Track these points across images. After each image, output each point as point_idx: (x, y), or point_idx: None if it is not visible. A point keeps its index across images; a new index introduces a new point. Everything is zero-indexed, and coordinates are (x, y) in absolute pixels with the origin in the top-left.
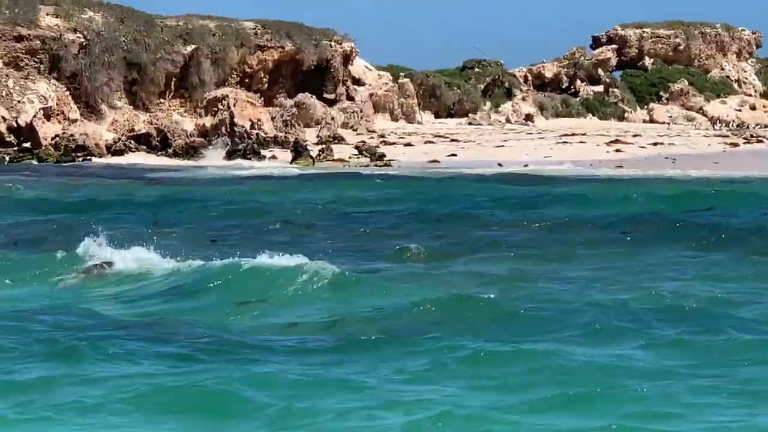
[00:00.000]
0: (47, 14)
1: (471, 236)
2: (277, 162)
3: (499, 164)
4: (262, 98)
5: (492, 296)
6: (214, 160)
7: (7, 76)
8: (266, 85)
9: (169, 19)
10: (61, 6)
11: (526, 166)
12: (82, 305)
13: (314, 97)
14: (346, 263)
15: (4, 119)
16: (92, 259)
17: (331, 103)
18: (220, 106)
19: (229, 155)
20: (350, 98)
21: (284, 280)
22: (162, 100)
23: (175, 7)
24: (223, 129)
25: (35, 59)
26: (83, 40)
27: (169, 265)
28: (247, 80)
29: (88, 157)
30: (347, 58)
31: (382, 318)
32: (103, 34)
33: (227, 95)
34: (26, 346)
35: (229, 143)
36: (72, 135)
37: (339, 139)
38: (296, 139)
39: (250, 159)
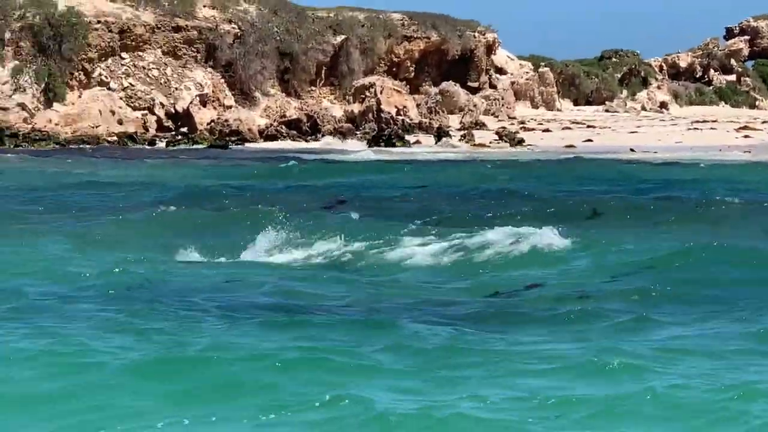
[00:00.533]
0: (204, 6)
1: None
2: (422, 146)
3: (631, 149)
4: (408, 86)
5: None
6: (359, 144)
7: (165, 64)
8: (412, 74)
9: (320, 11)
10: None
11: (655, 153)
12: None
13: (458, 85)
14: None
15: (163, 105)
16: None
17: (474, 91)
18: (368, 94)
19: (375, 140)
20: (492, 86)
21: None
22: (313, 88)
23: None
24: (370, 115)
25: (192, 49)
26: (238, 30)
27: None
28: (394, 69)
29: (241, 142)
30: (490, 48)
31: None
32: (257, 25)
33: (374, 83)
34: None
35: (376, 129)
36: (226, 120)
37: (481, 125)
38: (440, 125)
39: (394, 144)
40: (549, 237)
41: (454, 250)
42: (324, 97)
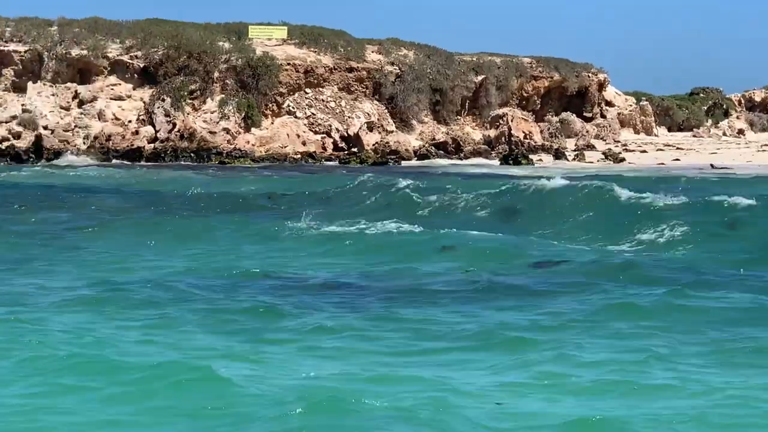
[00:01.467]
0: (372, 51)
1: None
2: (542, 164)
3: (711, 165)
4: (534, 116)
5: None
6: (493, 162)
7: (340, 98)
8: (539, 106)
9: (466, 56)
10: (383, 45)
11: (725, 168)
12: None
13: (574, 115)
14: None
15: (338, 130)
16: None
17: (588, 120)
18: (501, 122)
19: (505, 159)
20: (603, 116)
21: None
22: (458, 117)
23: (470, 46)
24: (503, 139)
25: (362, 86)
26: (398, 71)
27: None
28: (523, 102)
29: (398, 160)
30: (601, 86)
31: None
32: (414, 67)
33: (507, 113)
34: None
35: (507, 149)
36: (387, 142)
37: (591, 147)
38: (558, 147)
39: (520, 162)
40: None
41: None
42: (467, 125)
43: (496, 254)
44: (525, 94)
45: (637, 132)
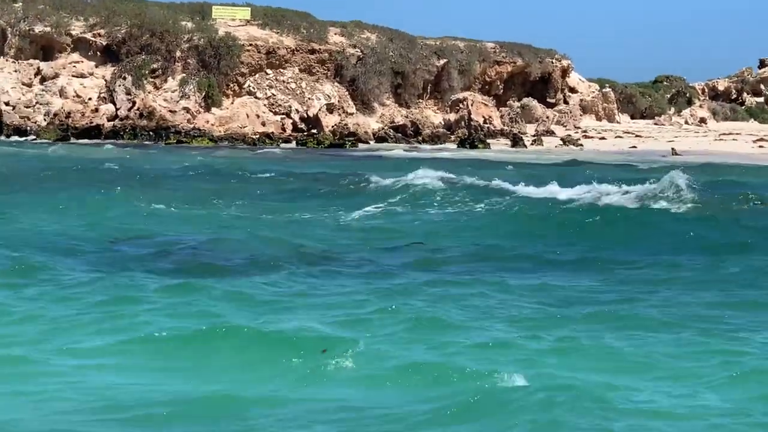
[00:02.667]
0: (335, 34)
1: None
2: (496, 148)
3: (673, 150)
4: (497, 101)
5: None
6: (450, 146)
7: (301, 79)
8: (501, 91)
9: (429, 40)
10: (346, 28)
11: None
12: None
13: (535, 101)
14: None
15: (298, 111)
16: None
17: (551, 106)
18: (461, 106)
19: (462, 143)
20: (566, 102)
21: None
22: (420, 100)
23: (433, 30)
24: (462, 123)
25: (324, 67)
26: (360, 53)
27: None
28: (486, 87)
29: (355, 143)
30: (564, 72)
31: None
32: (376, 50)
33: (467, 97)
34: None
35: (467, 134)
36: (346, 124)
37: (551, 133)
38: (513, 131)
39: (476, 146)
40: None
41: None
42: (428, 108)
43: None
44: (488, 79)
45: (599, 119)
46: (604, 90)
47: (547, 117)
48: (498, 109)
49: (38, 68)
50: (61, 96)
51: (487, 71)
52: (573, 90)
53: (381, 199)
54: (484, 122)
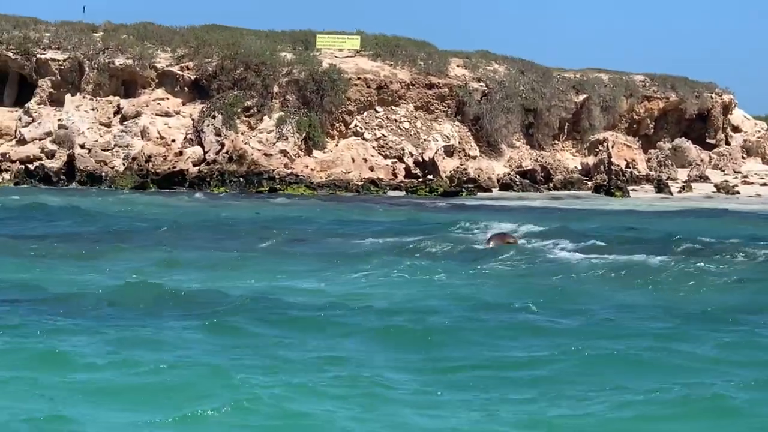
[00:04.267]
0: (457, 66)
1: None
2: (637, 195)
3: None
4: (647, 142)
5: None
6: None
7: (416, 118)
8: (652, 131)
9: (568, 72)
10: (470, 59)
11: None
12: None
13: (689, 141)
14: None
15: (411, 155)
16: None
17: (711, 147)
18: (600, 148)
19: (596, 189)
20: (728, 143)
21: None
22: (556, 141)
23: (573, 62)
24: (602, 167)
25: (443, 104)
26: (486, 88)
27: None
28: (634, 126)
29: (474, 190)
30: (726, 108)
31: None
32: (504, 83)
33: (607, 138)
34: None
35: (606, 179)
36: (465, 169)
37: (704, 179)
38: (659, 177)
39: (613, 194)
40: None
41: None
42: (566, 150)
43: None
44: (636, 117)
45: (766, 162)
46: None
47: (702, 160)
48: (647, 152)
49: (118, 106)
50: (143, 137)
51: (635, 108)
52: (736, 129)
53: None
54: (627, 166)
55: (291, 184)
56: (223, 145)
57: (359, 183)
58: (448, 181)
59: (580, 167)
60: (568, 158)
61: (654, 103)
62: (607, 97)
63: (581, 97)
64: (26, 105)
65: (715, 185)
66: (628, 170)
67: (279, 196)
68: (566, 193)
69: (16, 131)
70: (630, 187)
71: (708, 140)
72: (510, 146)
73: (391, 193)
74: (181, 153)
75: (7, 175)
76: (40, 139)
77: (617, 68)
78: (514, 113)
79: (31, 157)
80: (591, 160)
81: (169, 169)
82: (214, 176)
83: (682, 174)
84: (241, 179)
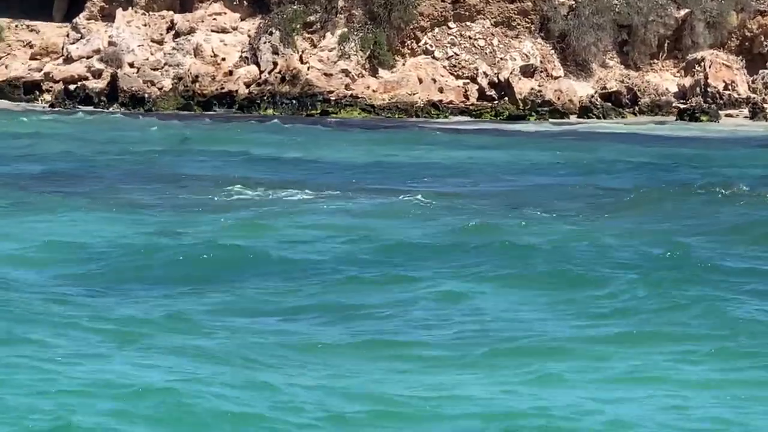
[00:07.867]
0: None
1: None
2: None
3: None
4: (759, 62)
5: None
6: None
7: (493, 35)
8: (766, 49)
9: None
10: None
11: None
12: None
13: None
14: None
15: (486, 75)
16: None
17: None
18: (697, 68)
19: (680, 115)
20: None
21: None
22: (654, 61)
23: None
24: (698, 89)
25: (526, 20)
26: (574, 2)
27: None
28: (746, 44)
29: (545, 115)
30: None
31: None
32: None
33: (704, 57)
34: None
35: (701, 103)
36: (540, 90)
37: None
38: (754, 100)
39: (698, 119)
40: None
41: None
42: (667, 70)
43: None
44: (748, 34)
45: None
46: None
47: None
48: (745, 73)
49: (172, 21)
50: (195, 56)
51: (747, 24)
52: None
53: None
54: (725, 88)
55: (345, 107)
56: (276, 64)
57: (420, 106)
58: (516, 104)
59: (677, 89)
60: (668, 79)
61: None
62: (713, 12)
63: (682, 13)
64: (74, 20)
65: None
66: (726, 93)
67: (328, 120)
68: (648, 118)
69: (63, 48)
70: (725, 112)
71: None
72: (603, 66)
73: (453, 118)
74: (231, 73)
75: (48, 96)
76: (87, 57)
77: None
78: (605, 30)
79: (76, 76)
80: (687, 82)
81: (216, 90)
82: (265, 97)
83: None
84: (294, 101)
